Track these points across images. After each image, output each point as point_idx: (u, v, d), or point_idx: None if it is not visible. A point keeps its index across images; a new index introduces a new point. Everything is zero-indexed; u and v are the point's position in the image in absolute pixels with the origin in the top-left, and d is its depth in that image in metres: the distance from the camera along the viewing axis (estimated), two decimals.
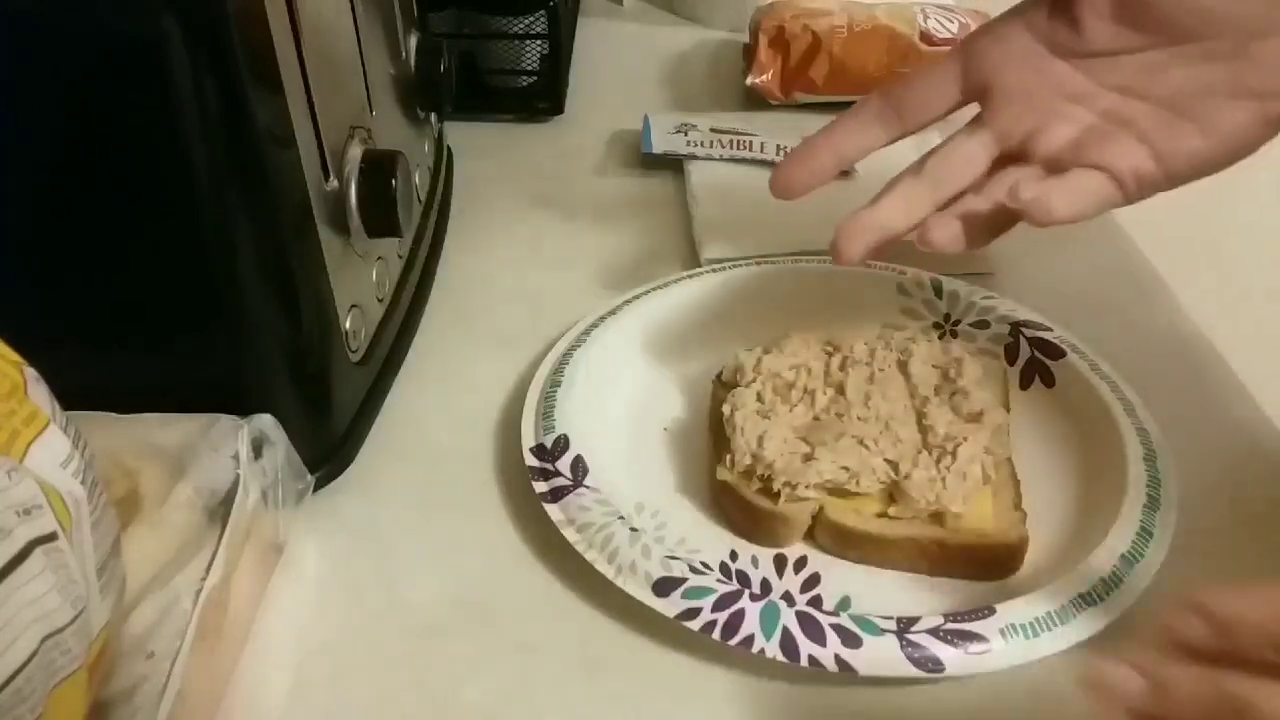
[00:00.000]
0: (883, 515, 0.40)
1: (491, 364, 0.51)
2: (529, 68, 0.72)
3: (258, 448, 0.38)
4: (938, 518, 0.40)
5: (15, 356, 0.30)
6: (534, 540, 0.42)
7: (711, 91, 0.77)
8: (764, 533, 0.41)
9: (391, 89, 0.49)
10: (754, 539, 0.41)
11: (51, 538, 0.28)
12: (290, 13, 0.36)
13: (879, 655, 0.36)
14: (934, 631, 0.36)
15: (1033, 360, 0.48)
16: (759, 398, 0.44)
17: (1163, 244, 0.62)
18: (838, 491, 0.40)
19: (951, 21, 0.73)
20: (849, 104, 0.73)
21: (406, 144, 0.51)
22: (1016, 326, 0.49)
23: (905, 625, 0.36)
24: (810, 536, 0.41)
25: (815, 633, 0.36)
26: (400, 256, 0.51)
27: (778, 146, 0.67)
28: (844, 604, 0.39)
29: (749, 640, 0.36)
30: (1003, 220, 0.41)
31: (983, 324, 0.50)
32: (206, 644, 0.34)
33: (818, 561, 0.41)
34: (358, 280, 0.45)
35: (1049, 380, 0.48)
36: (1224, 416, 0.48)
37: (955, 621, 0.36)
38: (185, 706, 0.32)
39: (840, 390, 0.44)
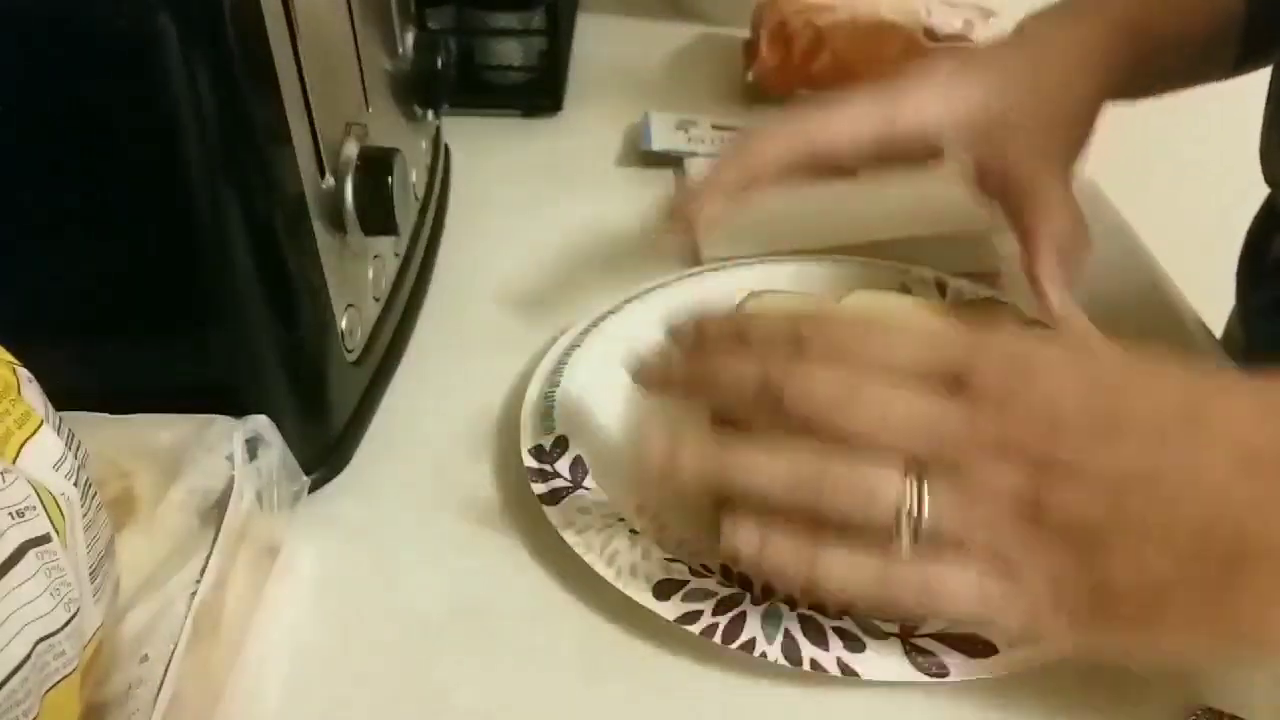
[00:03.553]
0: None
1: (490, 364, 0.50)
2: (528, 64, 0.72)
3: (253, 449, 0.38)
4: None
5: (8, 356, 0.30)
6: (533, 542, 0.42)
7: (712, 88, 0.77)
8: None
9: (388, 86, 0.49)
10: None
11: (45, 540, 0.27)
12: (286, 9, 0.36)
13: (882, 659, 0.35)
14: (938, 636, 0.36)
15: None
16: None
17: (1171, 243, 0.62)
18: None
19: (956, 17, 0.73)
20: None
21: (403, 141, 0.51)
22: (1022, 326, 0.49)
23: (909, 629, 0.36)
24: None
25: (818, 636, 0.36)
26: (397, 255, 0.50)
27: None
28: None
29: (750, 644, 0.36)
30: None
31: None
32: (201, 647, 0.34)
33: None
34: (354, 279, 0.44)
35: None
36: None
37: (960, 626, 0.36)
38: (180, 709, 0.32)
39: None
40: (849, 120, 0.46)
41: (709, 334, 0.36)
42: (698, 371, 0.35)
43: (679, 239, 0.47)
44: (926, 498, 0.30)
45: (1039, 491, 0.29)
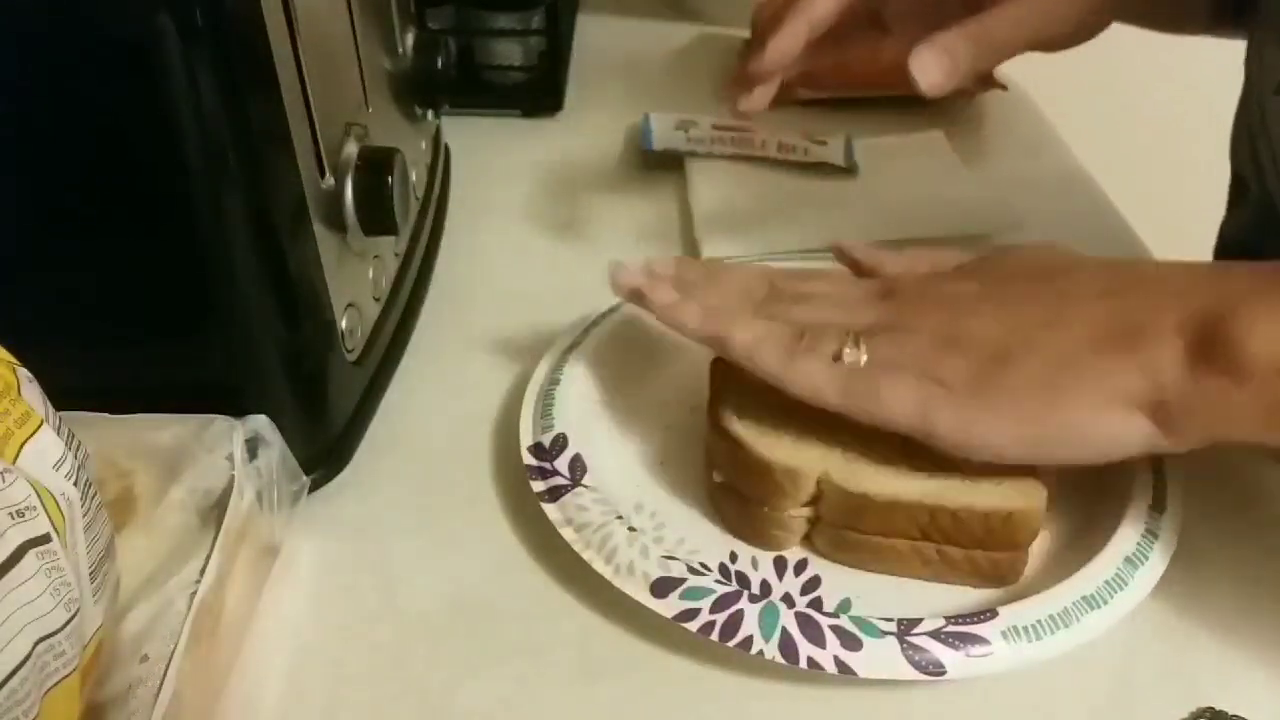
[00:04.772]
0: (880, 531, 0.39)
1: (489, 363, 0.50)
2: (528, 64, 0.72)
3: (253, 449, 0.38)
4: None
5: (8, 356, 0.30)
6: (532, 540, 0.42)
7: (713, 88, 0.77)
8: (760, 536, 0.41)
9: (388, 86, 0.49)
10: (751, 541, 0.41)
11: (45, 540, 0.27)
12: (286, 9, 0.36)
13: (879, 657, 0.35)
14: (935, 634, 0.36)
15: None
16: None
17: (1170, 241, 0.62)
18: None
19: None
20: (852, 100, 0.73)
21: (404, 141, 0.51)
22: None
23: (906, 627, 0.36)
24: (808, 540, 0.41)
25: (814, 634, 0.36)
26: (397, 255, 0.51)
27: (779, 143, 0.67)
28: (844, 606, 0.39)
29: (748, 641, 0.36)
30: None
31: None
32: (201, 647, 0.34)
33: (818, 564, 0.40)
34: (354, 279, 0.44)
35: None
36: None
37: (957, 624, 0.36)
38: (180, 709, 0.32)
39: None
40: None
41: (686, 273, 0.45)
42: (690, 279, 0.44)
43: (755, 96, 0.49)
44: (864, 346, 0.39)
45: (952, 325, 0.39)
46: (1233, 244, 0.59)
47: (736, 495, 0.41)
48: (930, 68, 0.44)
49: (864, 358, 0.38)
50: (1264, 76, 0.49)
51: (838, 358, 0.39)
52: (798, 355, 0.39)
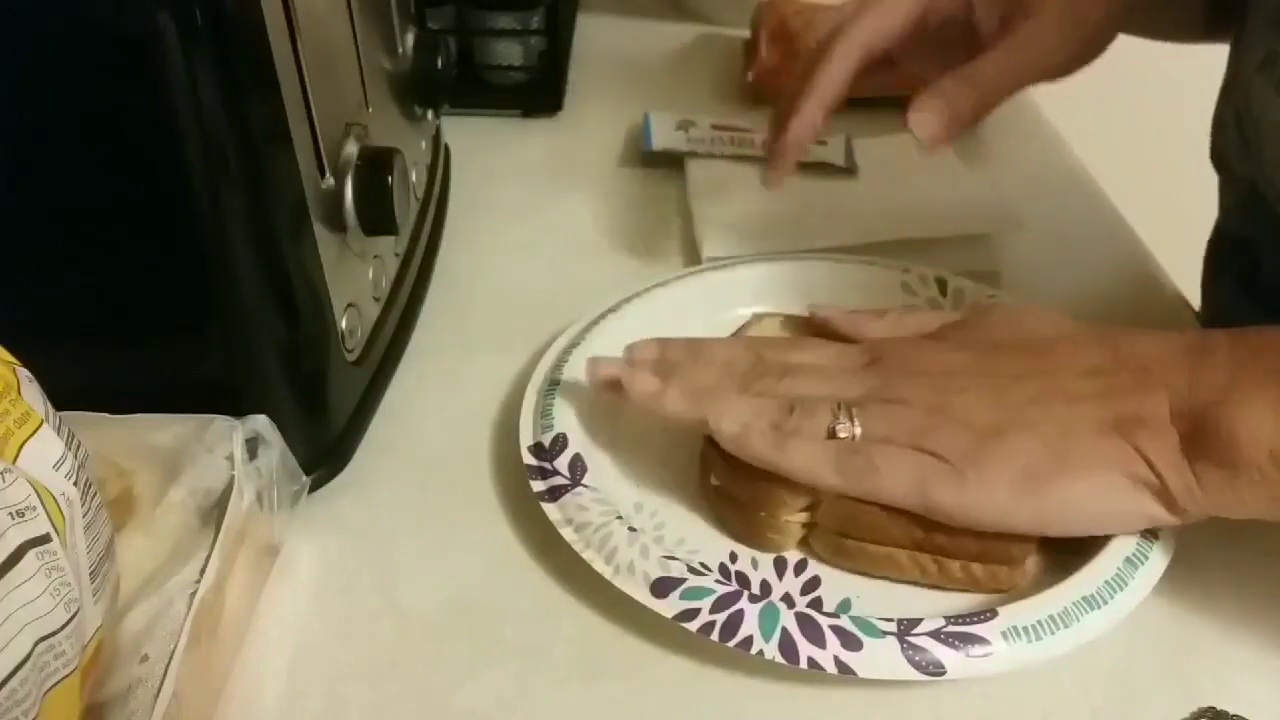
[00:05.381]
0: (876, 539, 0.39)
1: (489, 363, 0.50)
2: (528, 64, 0.72)
3: (253, 449, 0.38)
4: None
5: (8, 356, 0.30)
6: (532, 540, 0.42)
7: (713, 88, 0.77)
8: (757, 539, 0.41)
9: (388, 86, 0.49)
10: (749, 544, 0.41)
11: (45, 539, 0.27)
12: (286, 9, 0.36)
13: (879, 658, 0.35)
14: (935, 634, 0.36)
15: None
16: None
17: (1170, 243, 0.62)
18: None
19: None
20: (852, 100, 0.73)
21: (404, 141, 0.51)
22: None
23: (906, 627, 0.36)
24: (806, 546, 0.41)
25: (815, 634, 0.36)
26: (397, 255, 0.51)
27: None
28: (845, 606, 0.39)
29: (748, 641, 0.36)
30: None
31: None
32: (201, 647, 0.34)
33: (818, 564, 0.40)
34: (354, 279, 0.44)
35: None
36: None
37: (957, 624, 0.36)
38: (180, 709, 0.32)
39: None
40: (889, 13, 0.49)
41: (670, 353, 0.44)
42: (673, 359, 0.43)
43: (784, 173, 0.52)
44: (857, 419, 0.39)
45: (943, 398, 0.39)
46: (1224, 230, 0.59)
47: (734, 499, 0.41)
48: (928, 121, 0.45)
49: (858, 431, 0.38)
50: (1248, 55, 0.49)
51: (831, 433, 0.38)
52: (789, 437, 0.38)
